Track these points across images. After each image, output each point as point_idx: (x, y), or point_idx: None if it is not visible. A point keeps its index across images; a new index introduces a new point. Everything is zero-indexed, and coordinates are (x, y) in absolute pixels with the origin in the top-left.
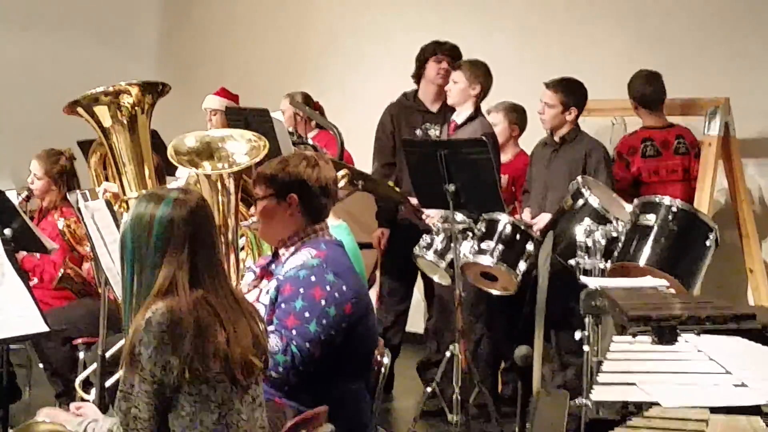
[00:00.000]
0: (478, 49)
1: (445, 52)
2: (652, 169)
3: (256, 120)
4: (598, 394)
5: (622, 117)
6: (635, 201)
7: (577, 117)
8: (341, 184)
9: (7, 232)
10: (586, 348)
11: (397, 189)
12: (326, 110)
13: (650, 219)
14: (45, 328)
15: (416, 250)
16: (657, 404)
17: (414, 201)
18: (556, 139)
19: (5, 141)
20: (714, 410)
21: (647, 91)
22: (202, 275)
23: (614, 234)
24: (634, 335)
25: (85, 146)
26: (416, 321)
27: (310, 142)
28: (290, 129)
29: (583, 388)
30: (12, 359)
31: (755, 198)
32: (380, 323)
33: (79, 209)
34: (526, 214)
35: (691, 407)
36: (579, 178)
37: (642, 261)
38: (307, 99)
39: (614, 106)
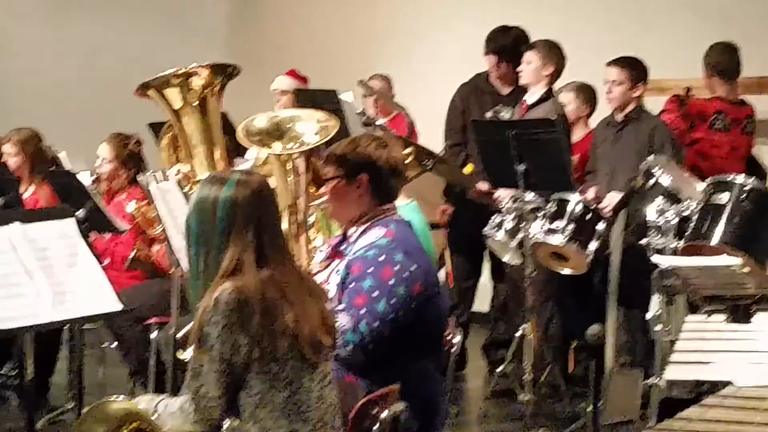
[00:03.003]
0: (546, 32)
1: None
2: (717, 143)
3: (325, 101)
4: (672, 373)
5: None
6: (708, 180)
7: (641, 94)
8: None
9: (80, 213)
10: (658, 327)
11: (466, 168)
12: (397, 91)
13: (723, 198)
14: (119, 307)
15: (486, 230)
16: (731, 383)
17: (482, 185)
18: (620, 118)
19: (78, 124)
20: None
21: (724, 60)
22: (268, 255)
23: (686, 213)
24: (708, 314)
25: (157, 128)
26: (482, 301)
27: (380, 122)
28: (359, 110)
29: (656, 368)
30: (86, 339)
31: None
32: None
33: (150, 191)
34: (591, 194)
35: (766, 386)
36: (650, 157)
37: (715, 240)
38: (384, 81)
39: (681, 85)
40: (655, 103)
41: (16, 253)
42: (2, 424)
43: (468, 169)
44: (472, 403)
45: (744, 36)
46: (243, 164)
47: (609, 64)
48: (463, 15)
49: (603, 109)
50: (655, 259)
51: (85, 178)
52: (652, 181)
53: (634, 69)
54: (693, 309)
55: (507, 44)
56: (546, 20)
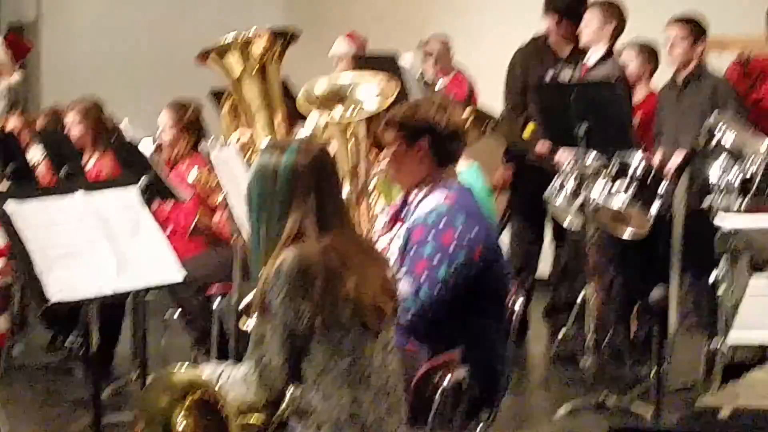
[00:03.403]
0: None
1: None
2: None
3: (384, 65)
4: (735, 337)
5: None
6: None
7: (703, 51)
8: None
9: (143, 182)
10: (721, 289)
11: (527, 131)
12: (456, 52)
13: None
14: (181, 277)
15: (546, 194)
16: None
17: (543, 146)
18: (682, 77)
19: (139, 93)
20: None
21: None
22: (329, 222)
23: (750, 172)
24: None
25: (218, 96)
26: (543, 265)
27: (439, 84)
28: (419, 74)
29: (720, 330)
30: (149, 308)
31: None
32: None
33: (211, 158)
34: (656, 158)
35: None
36: (713, 115)
37: None
38: (443, 45)
39: (742, 41)
40: (717, 60)
41: (80, 222)
42: (68, 394)
43: (529, 129)
44: (535, 368)
45: None
46: (303, 130)
47: (669, 23)
48: None
49: (665, 71)
50: (719, 220)
51: (147, 146)
52: (715, 140)
53: (693, 26)
54: (757, 270)
55: (568, 3)
56: None
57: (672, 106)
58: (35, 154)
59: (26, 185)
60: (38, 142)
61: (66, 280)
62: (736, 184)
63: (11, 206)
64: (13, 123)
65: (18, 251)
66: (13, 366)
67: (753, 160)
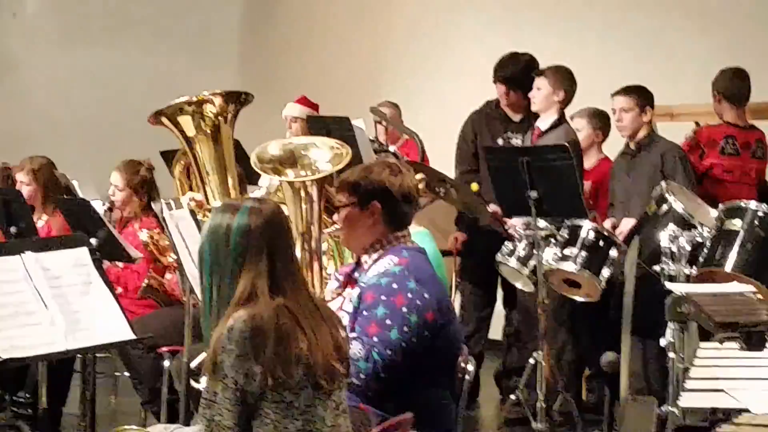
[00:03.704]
0: (556, 58)
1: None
2: (728, 168)
3: (337, 128)
4: (686, 400)
5: (705, 122)
6: (720, 206)
7: (650, 119)
8: (420, 186)
9: (94, 241)
10: (671, 355)
11: (477, 194)
12: (406, 118)
13: (736, 224)
14: (131, 336)
15: (498, 256)
16: (747, 411)
17: (494, 208)
18: (633, 145)
19: (90, 152)
20: None
21: (734, 85)
22: (282, 282)
23: (699, 239)
24: (721, 341)
25: (168, 156)
26: (494, 328)
27: (392, 149)
28: (371, 137)
29: (670, 395)
30: (98, 368)
31: None
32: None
33: (163, 218)
34: (607, 224)
35: None
36: (662, 183)
37: (728, 266)
38: (394, 108)
39: (697, 111)
40: (667, 129)
41: (30, 281)
42: None
43: (474, 187)
44: (486, 431)
45: (755, 61)
46: (256, 191)
47: (615, 93)
48: (471, 42)
49: (617, 139)
50: (669, 285)
51: (98, 207)
52: (665, 207)
53: (640, 95)
54: (706, 336)
55: (516, 72)
56: (554, 45)
57: (624, 173)
58: None
59: None
60: None
61: (14, 339)
62: (686, 251)
63: None
64: None
65: None
66: None
67: (702, 228)
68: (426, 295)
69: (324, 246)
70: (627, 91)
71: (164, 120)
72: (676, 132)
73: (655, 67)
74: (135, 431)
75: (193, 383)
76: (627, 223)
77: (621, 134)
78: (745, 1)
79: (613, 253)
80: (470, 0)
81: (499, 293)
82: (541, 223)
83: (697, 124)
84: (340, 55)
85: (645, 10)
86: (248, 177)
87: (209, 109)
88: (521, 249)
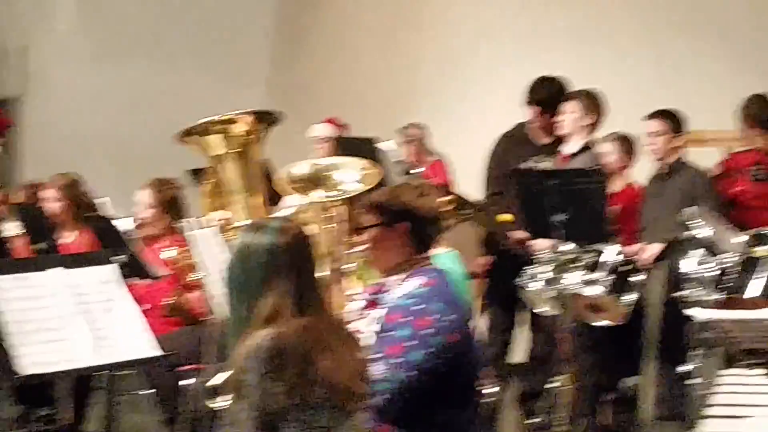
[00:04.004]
0: (586, 83)
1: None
2: (759, 194)
3: (365, 149)
4: (709, 427)
5: (731, 148)
6: (748, 232)
7: (682, 145)
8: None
9: (121, 259)
10: (695, 380)
11: (504, 218)
12: (436, 139)
13: (763, 251)
14: (156, 353)
15: (522, 280)
16: None
17: (520, 234)
18: (664, 170)
19: (118, 170)
20: None
21: (764, 111)
22: (306, 302)
23: (726, 265)
24: (747, 367)
25: (195, 175)
26: (518, 351)
27: (418, 171)
28: (398, 159)
29: (692, 421)
30: (120, 384)
31: None
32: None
33: (189, 237)
34: (635, 248)
35: None
36: (692, 208)
37: (754, 293)
38: (422, 131)
39: (719, 137)
40: (696, 155)
41: (58, 298)
42: None
43: (506, 217)
44: None
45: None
46: (283, 211)
47: (649, 117)
48: (499, 66)
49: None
50: (693, 311)
51: (128, 224)
52: (693, 233)
53: (673, 120)
54: (730, 362)
55: (549, 95)
56: (581, 70)
57: (653, 199)
58: (10, 228)
59: (2, 259)
60: (15, 216)
61: (40, 355)
62: (713, 277)
63: None
64: None
65: None
66: None
67: (729, 254)
68: (451, 317)
69: (350, 266)
70: (660, 114)
71: (192, 139)
72: (703, 157)
73: (682, 92)
74: None
75: (216, 401)
76: (654, 248)
77: (653, 157)
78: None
79: (638, 278)
80: (499, 25)
81: (526, 316)
82: (567, 246)
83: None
84: (369, 76)
85: (673, 35)
86: (275, 197)
87: (238, 129)
88: (546, 273)
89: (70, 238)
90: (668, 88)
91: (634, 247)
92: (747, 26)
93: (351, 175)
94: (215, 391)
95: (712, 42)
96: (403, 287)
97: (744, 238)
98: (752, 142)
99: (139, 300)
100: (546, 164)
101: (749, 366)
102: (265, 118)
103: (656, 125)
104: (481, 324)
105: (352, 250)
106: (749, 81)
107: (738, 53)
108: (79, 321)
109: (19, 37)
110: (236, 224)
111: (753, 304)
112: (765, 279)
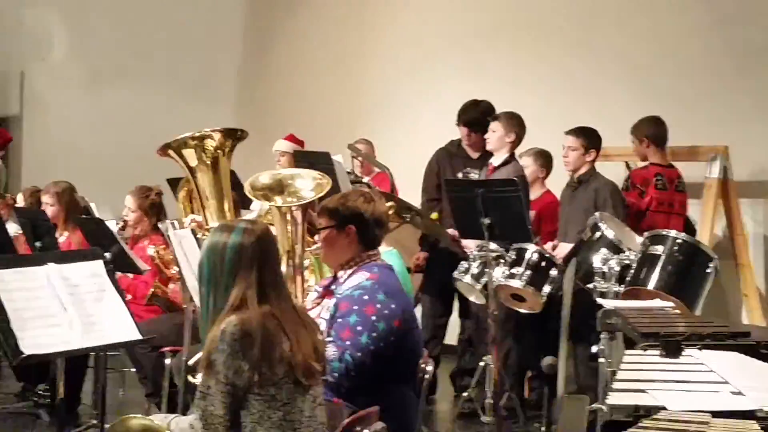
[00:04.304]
0: (511, 105)
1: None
2: (661, 200)
3: (319, 161)
4: (613, 399)
5: (634, 162)
6: (645, 234)
7: (594, 159)
8: (389, 212)
9: (108, 255)
10: (602, 360)
11: (438, 223)
12: (379, 153)
13: (658, 249)
14: (138, 337)
15: (455, 274)
16: (664, 408)
17: (452, 232)
18: (575, 179)
19: (106, 178)
20: (714, 414)
21: (658, 130)
22: (269, 293)
23: (627, 262)
24: (644, 349)
25: (174, 183)
26: (450, 335)
27: (365, 180)
28: (348, 170)
29: (599, 394)
30: (109, 364)
31: (749, 233)
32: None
33: (168, 236)
34: (548, 246)
35: (694, 411)
36: (597, 213)
37: (651, 285)
38: (369, 145)
39: (620, 152)
40: (600, 168)
41: (53, 289)
42: None
43: (434, 216)
44: (441, 424)
45: (673, 110)
46: (249, 215)
47: (567, 132)
48: (436, 89)
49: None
50: (600, 301)
51: (112, 226)
52: (598, 234)
53: (588, 138)
54: (631, 344)
55: (476, 117)
56: (509, 93)
57: (566, 203)
58: (13, 228)
59: (5, 255)
60: (16, 218)
61: (38, 338)
62: (616, 272)
63: None
64: None
65: None
66: None
67: (629, 252)
68: (393, 306)
69: (306, 262)
70: (577, 132)
71: (170, 152)
72: (607, 170)
73: (591, 112)
74: (139, 419)
75: (190, 378)
76: (564, 247)
77: (566, 169)
78: (668, 59)
79: (554, 272)
80: (434, 56)
81: (456, 305)
82: (492, 245)
83: (627, 164)
84: (323, 97)
85: (585, 65)
86: (242, 202)
87: (209, 144)
88: (475, 267)
89: (62, 238)
90: (578, 110)
91: (550, 246)
92: (645, 58)
93: (307, 184)
94: (191, 369)
95: (615, 70)
96: (352, 280)
97: (641, 238)
98: (648, 157)
99: (125, 290)
100: (475, 175)
101: (645, 348)
102: (233, 135)
103: (571, 141)
104: (418, 311)
105: (308, 249)
106: (645, 104)
107: (637, 80)
108: (72, 309)
109: (18, 64)
110: (208, 225)
111: (649, 295)
112: (658, 273)
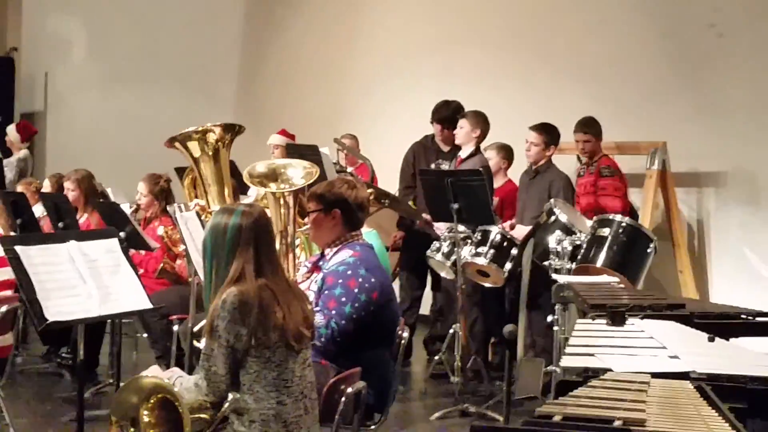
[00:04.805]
0: (478, 104)
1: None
2: (605, 186)
3: (308, 153)
4: (565, 362)
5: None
6: (594, 217)
7: (552, 153)
8: (370, 198)
9: (122, 234)
10: (555, 328)
11: (414, 207)
12: (362, 146)
13: (605, 231)
14: (149, 306)
15: (428, 252)
16: (610, 370)
17: (426, 216)
18: (533, 170)
19: (120, 167)
20: (654, 375)
21: (599, 128)
22: (264, 267)
23: (578, 242)
24: (593, 319)
25: (180, 171)
26: (424, 306)
27: (349, 170)
28: (334, 161)
29: (554, 358)
30: (123, 330)
31: (684, 217)
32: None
33: (176, 218)
34: (507, 225)
35: (636, 372)
36: (552, 200)
37: (599, 263)
38: (353, 139)
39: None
40: (556, 159)
41: (73, 263)
42: (58, 393)
43: (410, 203)
44: (416, 384)
45: (622, 111)
46: (246, 199)
47: (531, 128)
48: (413, 90)
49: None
50: (554, 276)
51: (126, 208)
52: (553, 218)
53: (550, 134)
54: (582, 314)
55: (447, 115)
56: (476, 94)
57: (524, 189)
58: (39, 210)
59: (32, 234)
60: (42, 202)
61: (61, 306)
62: (568, 251)
63: (19, 249)
64: (21, 187)
65: (24, 283)
66: (16, 372)
67: (579, 234)
68: (372, 280)
69: (297, 241)
70: (539, 129)
71: (177, 144)
72: (560, 161)
73: (547, 112)
74: (150, 378)
75: (195, 343)
76: (521, 229)
77: (528, 161)
78: (616, 67)
79: (514, 251)
80: (411, 58)
81: (429, 279)
82: (460, 227)
83: (578, 157)
84: (312, 97)
85: (543, 70)
86: (240, 188)
87: (211, 137)
88: (445, 247)
89: (81, 219)
90: (535, 110)
91: (509, 224)
92: (596, 66)
93: (297, 173)
94: (196, 335)
95: (569, 76)
96: (337, 257)
97: (590, 222)
98: (599, 150)
99: (137, 265)
100: (445, 166)
101: (594, 318)
102: (231, 129)
103: (534, 137)
104: (396, 285)
105: (299, 229)
106: (595, 105)
107: (588, 84)
108: (90, 281)
109: (42, 65)
110: (211, 209)
111: (597, 271)
112: (605, 253)
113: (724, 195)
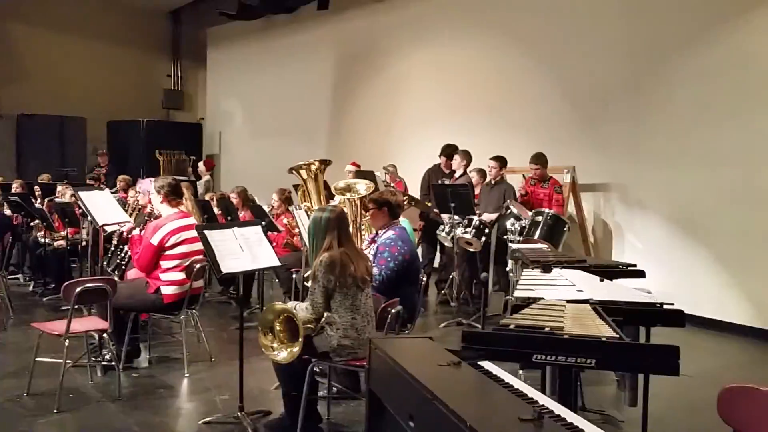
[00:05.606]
0: (465, 144)
1: (449, 154)
2: (536, 192)
3: (368, 176)
4: (517, 294)
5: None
6: (533, 210)
7: (503, 172)
8: (404, 201)
9: (263, 223)
10: (511, 274)
11: (429, 205)
12: (399, 170)
13: (539, 219)
14: (278, 264)
15: (437, 232)
16: (542, 298)
17: (436, 210)
18: (492, 182)
19: (262, 185)
20: (568, 301)
21: (544, 160)
22: (343, 241)
23: (524, 225)
24: (532, 269)
25: (296, 187)
26: (436, 263)
27: (392, 185)
28: (383, 180)
29: (510, 292)
30: (264, 277)
31: (587, 211)
32: (421, 263)
33: (294, 214)
34: (483, 217)
35: (558, 300)
36: (508, 201)
37: (536, 236)
38: (394, 167)
39: (523, 169)
40: (510, 177)
41: (236, 240)
42: (230, 314)
43: (427, 203)
44: (430, 307)
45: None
46: (332, 202)
47: (490, 159)
48: (429, 137)
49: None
50: (510, 245)
51: (265, 209)
52: (509, 211)
53: (501, 162)
54: (526, 266)
55: (449, 152)
56: (464, 140)
57: (486, 195)
58: (216, 210)
59: (213, 224)
60: (218, 205)
61: (229, 263)
62: (518, 230)
63: (207, 232)
64: (207, 197)
65: (208, 250)
66: (205, 302)
67: (525, 220)
68: (405, 248)
69: (363, 226)
70: (496, 159)
71: (294, 171)
72: (511, 178)
73: (504, 147)
74: (280, 306)
75: (306, 284)
76: (488, 216)
77: (489, 177)
78: (547, 119)
79: (487, 230)
80: (429, 118)
81: (438, 247)
82: (456, 217)
83: (524, 176)
84: (371, 140)
85: (501, 124)
86: (329, 196)
87: (313, 167)
88: (447, 228)
89: (240, 214)
90: (496, 148)
91: (484, 217)
92: (534, 117)
93: (362, 187)
94: (306, 279)
95: (517, 125)
96: (385, 235)
97: (531, 213)
98: (546, 175)
99: (273, 240)
100: (447, 181)
101: (533, 268)
102: (324, 162)
103: (493, 164)
104: (420, 251)
105: (364, 219)
106: (534, 142)
107: (531, 130)
108: (246, 249)
109: (218, 127)
110: (313, 209)
111: (535, 241)
112: (539, 231)
113: (609, 197)
